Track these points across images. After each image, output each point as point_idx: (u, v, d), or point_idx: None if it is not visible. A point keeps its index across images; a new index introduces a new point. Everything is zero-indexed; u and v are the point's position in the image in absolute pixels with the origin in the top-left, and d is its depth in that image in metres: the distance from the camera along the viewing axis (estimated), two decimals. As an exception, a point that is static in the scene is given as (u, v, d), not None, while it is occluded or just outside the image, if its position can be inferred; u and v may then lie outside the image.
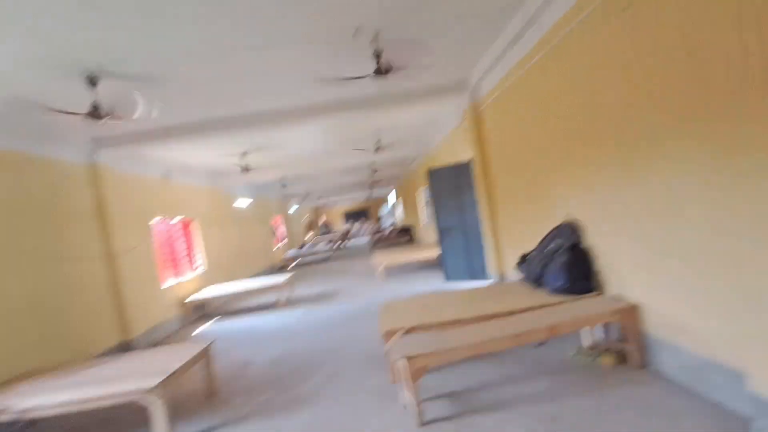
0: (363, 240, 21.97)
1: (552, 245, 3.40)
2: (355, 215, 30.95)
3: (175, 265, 7.17)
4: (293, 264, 14.12)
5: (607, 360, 2.82)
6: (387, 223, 24.42)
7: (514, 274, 4.85)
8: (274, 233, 14.49)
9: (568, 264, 3.16)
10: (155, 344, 5.54)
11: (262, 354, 4.46)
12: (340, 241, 18.89)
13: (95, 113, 3.38)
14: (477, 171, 5.55)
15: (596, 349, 2.97)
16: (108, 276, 5.09)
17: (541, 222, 3.98)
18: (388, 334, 3.12)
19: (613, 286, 3.00)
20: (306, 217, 23.59)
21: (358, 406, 2.89)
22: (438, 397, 2.80)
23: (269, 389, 3.43)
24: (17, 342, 3.66)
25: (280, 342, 4.81)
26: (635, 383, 2.55)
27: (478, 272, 6.02)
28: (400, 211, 19.30)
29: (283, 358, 4.21)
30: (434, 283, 6.69)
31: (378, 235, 17.43)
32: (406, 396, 2.62)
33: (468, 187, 5.96)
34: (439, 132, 7.83)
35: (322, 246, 15.14)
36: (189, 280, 7.33)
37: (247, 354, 4.56)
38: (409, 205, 15.67)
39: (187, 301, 6.81)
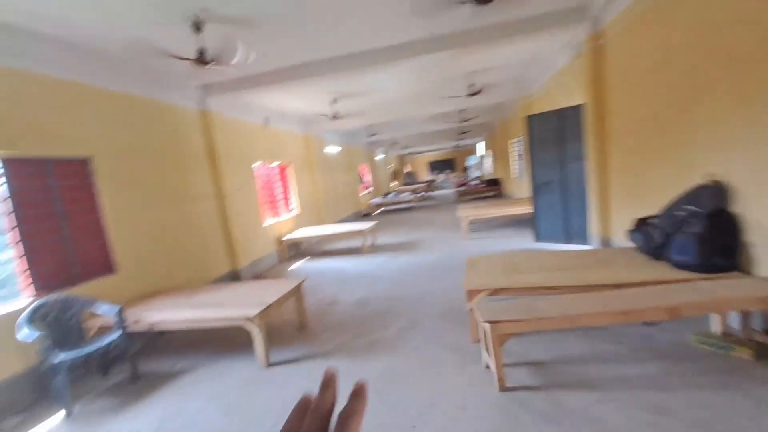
0: (447, 191, 21.52)
1: (682, 211, 2.81)
2: (441, 165, 30.21)
3: (273, 206, 7.83)
4: (378, 211, 14.53)
5: (743, 352, 2.34)
6: (473, 175, 23.39)
7: (622, 241, 4.25)
8: (361, 180, 14.90)
9: (702, 235, 2.59)
10: (257, 276, 6.25)
11: (347, 295, 4.73)
12: (424, 191, 18.74)
13: (201, 59, 3.58)
14: (589, 117, 4.78)
15: (730, 339, 2.47)
16: (219, 213, 5.74)
17: (669, 182, 3.31)
18: (473, 293, 3.00)
19: (765, 266, 2.39)
20: (391, 166, 23.74)
21: (438, 361, 2.89)
22: (522, 363, 2.65)
23: (352, 330, 3.63)
24: (149, 267, 4.38)
25: (364, 286, 5.03)
26: (781, 386, 2.08)
27: (577, 234, 5.43)
28: (488, 163, 18.21)
29: (366, 301, 4.40)
30: (523, 242, 6.25)
31: (464, 187, 16.85)
32: (488, 358, 2.52)
33: (574, 136, 5.21)
34: (541, 73, 6.86)
35: (406, 195, 15.18)
36: (285, 220, 7.98)
37: (334, 293, 4.88)
38: (499, 156, 14.62)
39: (283, 239, 7.46)
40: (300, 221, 8.61)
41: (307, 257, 7.47)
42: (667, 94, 3.33)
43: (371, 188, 16.77)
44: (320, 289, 5.11)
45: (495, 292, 2.95)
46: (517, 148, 10.70)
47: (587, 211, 5.19)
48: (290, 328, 3.86)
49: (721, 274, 2.54)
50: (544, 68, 6.63)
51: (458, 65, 6.20)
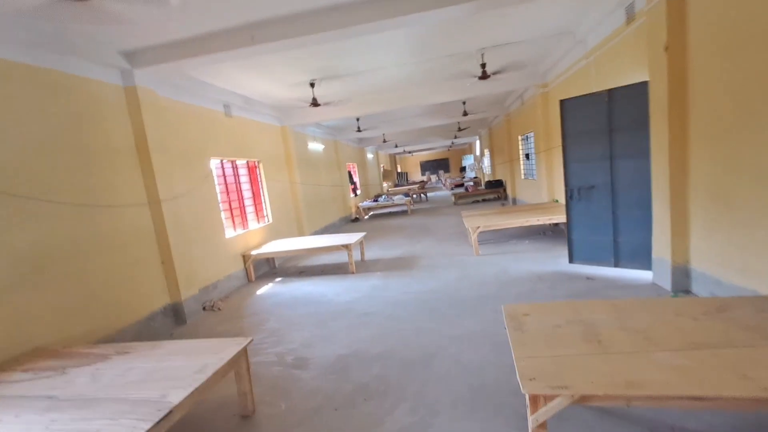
0: (443, 192, 20.23)
1: None
2: (434, 165, 28.96)
3: (240, 214, 6.37)
4: (368, 216, 13.12)
5: None
6: (470, 175, 22.15)
7: (710, 271, 2.93)
8: (351, 180, 13.46)
9: None
10: (210, 306, 4.79)
11: (322, 346, 3.32)
12: (418, 193, 17.41)
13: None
14: (657, 98, 3.45)
15: None
16: (153, 226, 4.27)
17: None
18: (538, 400, 1.63)
19: None
20: (383, 166, 22.35)
21: None
22: None
23: (327, 420, 2.23)
24: (19, 312, 2.91)
25: (347, 329, 3.62)
26: None
27: (630, 256, 4.10)
28: (486, 163, 16.93)
29: (348, 362, 2.99)
30: (553, 262, 4.92)
31: (461, 189, 15.55)
32: None
33: (629, 125, 3.89)
34: (569, 52, 5.54)
35: (399, 197, 13.83)
36: (255, 231, 6.53)
37: (304, 340, 3.47)
38: (500, 155, 13.36)
39: (251, 254, 6.02)
40: (273, 232, 7.16)
41: (280, 278, 6.02)
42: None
43: (360, 189, 15.35)
44: (287, 333, 3.69)
45: (583, 399, 1.58)
46: (525, 145, 9.40)
47: (651, 226, 3.87)
48: (225, 418, 2.44)
49: None
50: (573, 44, 5.31)
51: (468, 37, 4.84)
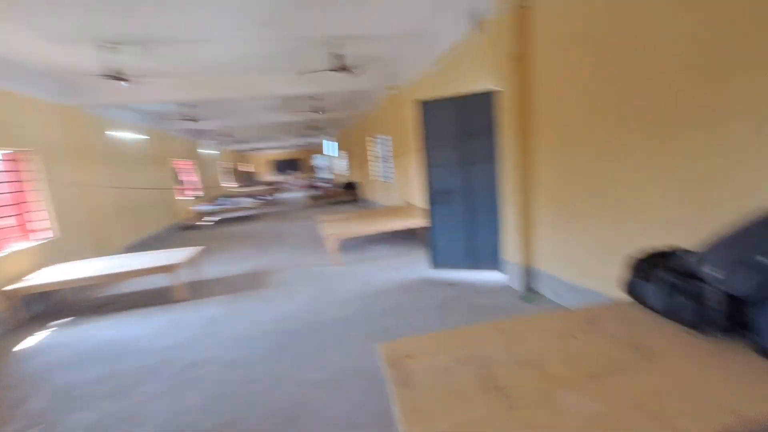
0: (296, 194, 19.27)
1: (762, 256, 1.58)
2: (287, 165, 27.57)
3: (-14, 228, 4.22)
4: (208, 221, 11.19)
5: None
6: (324, 177, 21.78)
7: (553, 271, 3.11)
8: (177, 180, 11.21)
9: None
10: None
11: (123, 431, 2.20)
12: (268, 195, 16.00)
13: None
14: (506, 106, 3.55)
15: None
16: None
17: (683, 197, 2.16)
18: None
19: None
20: (226, 164, 19.89)
21: None
22: None
23: None
24: None
25: (165, 395, 2.55)
26: None
27: (487, 260, 4.22)
28: (343, 164, 16.80)
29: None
30: (414, 269, 4.77)
31: (315, 190, 14.98)
32: None
33: (482, 131, 3.96)
34: (421, 54, 5.56)
35: (247, 200, 12.31)
36: (17, 253, 4.45)
37: (92, 425, 2.26)
38: (355, 156, 13.37)
39: (8, 289, 4.03)
40: (57, 252, 5.10)
41: (66, 319, 4.23)
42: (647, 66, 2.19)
43: (199, 191, 13.11)
44: (61, 417, 2.38)
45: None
46: (381, 147, 9.43)
47: (499, 230, 4.02)
48: None
49: None
50: (424, 48, 5.31)
51: (321, 19, 4.24)
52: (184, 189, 11.59)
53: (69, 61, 4.81)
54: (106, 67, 4.69)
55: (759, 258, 1.61)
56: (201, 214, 10.88)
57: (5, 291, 4.03)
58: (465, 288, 3.93)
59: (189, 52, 4.90)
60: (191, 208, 10.93)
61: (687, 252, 1.99)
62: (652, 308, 2.04)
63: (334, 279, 4.67)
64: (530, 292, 3.62)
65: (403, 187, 7.79)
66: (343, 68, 5.19)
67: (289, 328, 3.41)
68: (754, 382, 1.48)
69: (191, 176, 12.65)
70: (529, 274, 3.68)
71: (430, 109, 4.13)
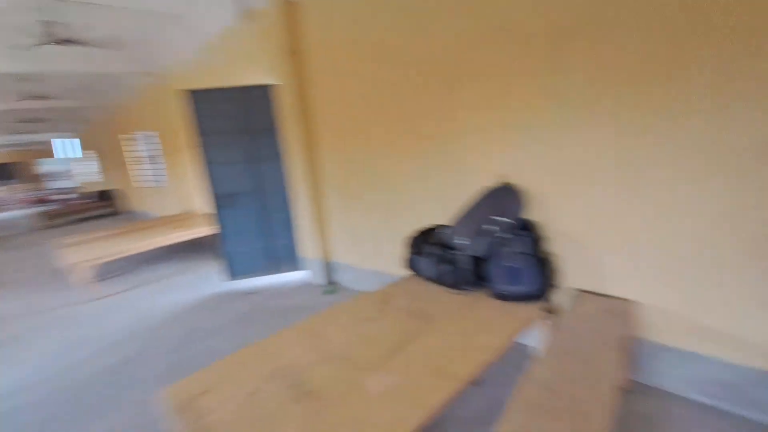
0: (14, 214, 13.87)
1: (492, 224, 2.13)
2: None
3: None
4: None
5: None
6: (64, 186, 16.47)
7: (351, 263, 3.36)
8: None
9: (536, 255, 2.01)
10: None
11: None
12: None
13: None
14: (286, 101, 3.50)
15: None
16: None
17: (438, 182, 2.64)
18: None
19: (573, 277, 2.10)
20: None
21: None
22: None
23: None
24: None
25: None
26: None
27: (287, 261, 4.10)
28: (93, 168, 13.07)
29: None
30: (207, 284, 4.18)
31: (51, 205, 11.19)
32: None
33: (267, 127, 3.79)
34: (191, 36, 4.84)
35: None
36: None
37: None
38: (111, 158, 10.67)
39: None
40: None
41: None
42: (400, 54, 2.61)
43: None
44: None
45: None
46: (146, 146, 7.82)
47: (293, 230, 3.99)
48: None
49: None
50: (190, 29, 4.64)
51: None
52: None
53: None
54: None
55: (485, 226, 2.09)
56: None
57: None
58: (267, 294, 3.73)
59: None
60: None
61: (445, 227, 2.44)
62: (427, 278, 2.41)
63: (94, 318, 3.57)
64: (331, 285, 3.77)
65: (180, 192, 6.73)
66: (67, 41, 3.93)
67: (20, 407, 2.36)
68: (496, 319, 1.95)
69: None
70: (328, 267, 3.81)
71: (203, 100, 3.64)
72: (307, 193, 3.64)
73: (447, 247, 2.29)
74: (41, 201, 12.81)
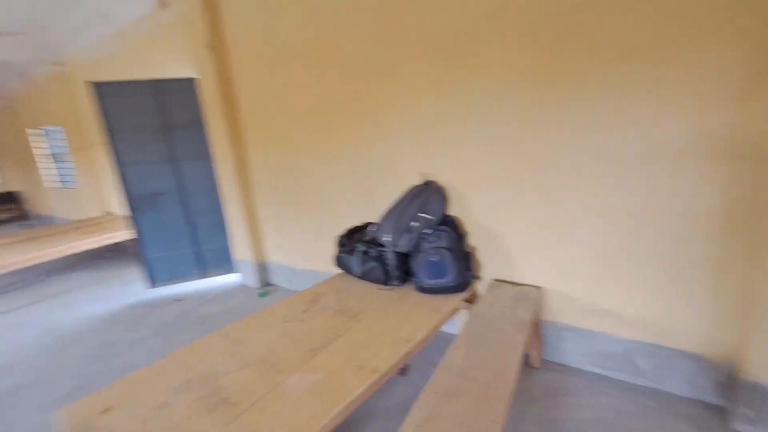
0: None
1: (416, 221, 2.20)
2: None
3: None
4: None
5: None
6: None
7: (285, 263, 3.30)
8: None
9: (455, 249, 2.11)
10: None
11: None
12: None
13: None
14: (208, 97, 3.33)
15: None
16: None
17: (365, 181, 2.67)
18: None
19: (491, 268, 2.25)
20: None
21: None
22: None
23: None
24: None
25: None
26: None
27: (216, 264, 3.90)
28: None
29: None
30: (125, 292, 3.85)
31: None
32: None
33: (188, 123, 3.56)
34: (101, 24, 4.39)
35: None
36: None
37: None
38: (15, 155, 9.37)
39: None
40: None
41: None
42: (323, 46, 2.61)
43: None
44: None
45: None
46: (50, 142, 6.98)
47: (225, 230, 3.81)
48: None
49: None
50: (97, 17, 4.21)
51: None
52: None
53: None
54: None
55: (410, 223, 2.16)
56: None
57: None
58: (194, 299, 3.52)
59: None
60: None
61: (372, 224, 2.47)
62: (355, 275, 2.43)
63: (-18, 341, 3.13)
64: (265, 287, 3.66)
65: (95, 193, 6.12)
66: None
67: None
68: (419, 312, 2.02)
69: None
70: (262, 269, 3.69)
71: (112, 93, 3.32)
72: (236, 193, 3.49)
73: (374, 244, 2.32)
74: None
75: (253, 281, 3.69)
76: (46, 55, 5.15)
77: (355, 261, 2.39)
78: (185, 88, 3.46)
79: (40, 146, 7.55)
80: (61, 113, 6.06)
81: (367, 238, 2.40)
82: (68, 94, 5.64)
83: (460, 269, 2.08)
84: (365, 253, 2.32)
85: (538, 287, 2.09)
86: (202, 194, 3.72)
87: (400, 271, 2.23)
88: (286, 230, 3.40)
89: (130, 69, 4.29)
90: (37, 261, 3.96)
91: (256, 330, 1.96)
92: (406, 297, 2.17)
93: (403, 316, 1.97)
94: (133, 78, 3.59)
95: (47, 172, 7.66)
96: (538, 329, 2.10)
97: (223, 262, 3.91)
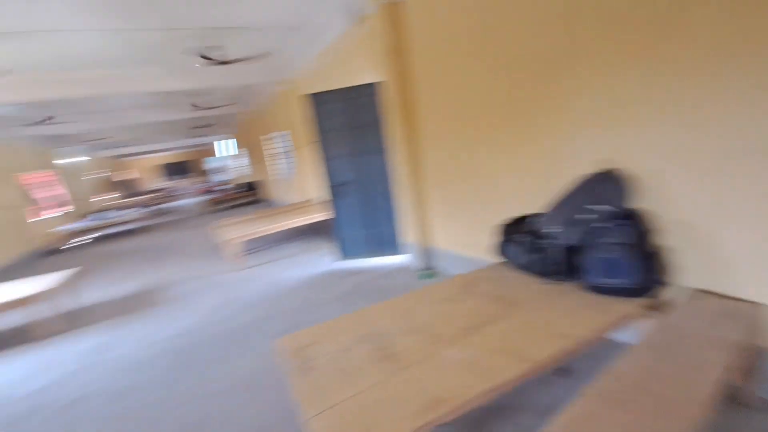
0: (188, 201, 17.59)
1: (588, 213, 2.01)
2: (175, 169, 24.89)
3: None
4: (80, 241, 9.63)
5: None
6: (221, 179, 20.24)
7: (450, 249, 3.46)
8: (29, 199, 9.37)
9: (637, 246, 1.85)
10: None
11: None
12: (156, 204, 14.33)
13: None
14: (390, 98, 3.76)
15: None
16: None
17: (535, 172, 2.58)
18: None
19: (695, 275, 1.84)
20: (101, 173, 17.20)
21: None
22: None
23: None
24: None
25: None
26: None
27: (389, 245, 4.44)
28: (244, 163, 15.79)
29: None
30: (321, 263, 4.80)
31: (211, 194, 13.89)
32: None
33: (374, 121, 4.13)
34: (308, 46, 5.52)
35: (130, 212, 10.83)
36: None
37: None
38: (254, 155, 12.71)
39: None
40: None
41: None
42: (506, 61, 2.57)
43: (69, 206, 11.16)
44: None
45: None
46: (280, 143, 9.14)
47: (396, 215, 4.27)
48: None
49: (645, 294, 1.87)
50: (311, 39, 5.29)
51: (187, 12, 3.94)
52: (40, 208, 9.73)
53: None
54: None
55: (580, 215, 2.00)
56: (70, 234, 9.30)
57: None
58: (370, 274, 4.11)
59: (33, 45, 4.12)
60: (55, 228, 9.27)
61: (536, 215, 2.39)
62: (516, 265, 2.41)
63: (237, 284, 4.46)
64: (428, 270, 3.95)
65: (303, 182, 7.70)
66: (223, 62, 4.89)
67: (188, 343, 3.18)
68: (583, 310, 1.88)
69: (54, 190, 10.69)
70: (426, 252, 4.00)
71: (320, 102, 4.16)
72: (409, 182, 3.86)
73: (539, 235, 2.24)
74: (206, 191, 16.01)
75: (418, 263, 4.04)
76: (274, 76, 6.76)
77: (517, 251, 2.36)
78: (370, 91, 4.02)
79: (270, 147, 9.98)
80: (286, 121, 7.85)
81: (532, 229, 2.32)
82: (290, 105, 7.27)
83: (640, 270, 1.81)
84: (529, 244, 2.26)
85: (756, 304, 1.63)
86: (379, 183, 4.27)
87: (566, 265, 2.09)
88: (453, 218, 3.58)
89: (331, 79, 5.23)
90: (268, 232, 5.34)
91: (418, 304, 2.20)
92: (570, 293, 2.03)
93: (564, 312, 1.86)
94: (334, 87, 4.38)
95: (274, 166, 10.07)
96: (753, 357, 1.64)
97: (394, 244, 4.40)
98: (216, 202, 12.45)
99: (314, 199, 7.08)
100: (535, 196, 2.60)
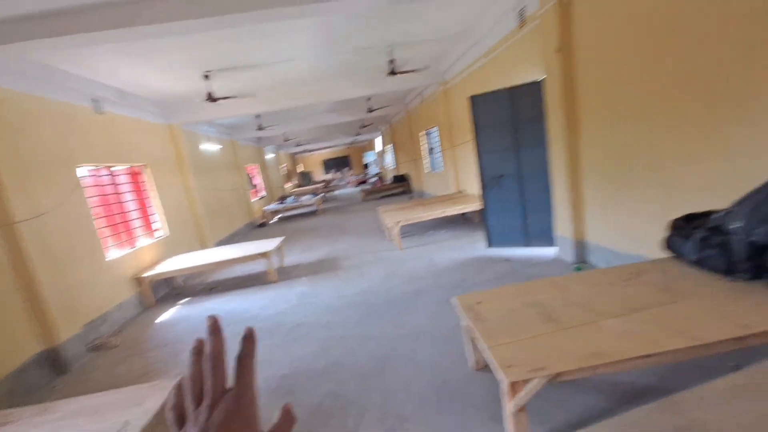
0: (348, 190, 20.23)
1: (783, 208, 1.89)
2: (337, 163, 28.78)
3: (125, 229, 5.33)
4: (275, 219, 12.38)
5: None
6: (374, 171, 22.57)
7: (602, 243, 3.42)
8: (251, 184, 12.49)
9: None
10: (100, 345, 3.91)
11: (258, 369, 2.94)
12: (323, 192, 17.07)
13: None
14: (552, 94, 3.88)
15: None
16: (8, 255, 3.28)
17: (707, 171, 2.45)
18: (518, 386, 1.65)
19: None
20: (284, 166, 21.36)
21: None
22: None
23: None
24: None
25: (283, 346, 3.29)
26: None
27: (538, 237, 4.58)
28: (390, 158, 17.43)
29: (293, 381, 2.71)
30: (472, 248, 5.23)
31: (367, 185, 15.75)
32: None
33: (530, 118, 4.31)
34: (469, 50, 5.92)
35: (307, 198, 13.35)
36: (146, 248, 5.55)
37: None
38: (404, 150, 13.88)
39: (144, 276, 5.09)
40: (170, 246, 6.20)
41: (187, 298, 5.24)
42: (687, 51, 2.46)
43: (264, 192, 14.41)
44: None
45: (557, 376, 1.63)
46: (430, 140, 9.88)
47: (552, 209, 4.36)
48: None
49: None
50: (471, 44, 5.69)
51: (378, 31, 4.81)
52: (255, 192, 12.87)
53: (172, 88, 5.83)
54: (200, 91, 5.63)
55: (777, 211, 1.92)
56: (270, 213, 12.05)
57: (143, 278, 5.10)
58: (520, 262, 4.34)
59: (266, 72, 5.72)
60: (263, 207, 12.15)
61: (716, 211, 2.30)
62: (687, 260, 2.38)
63: (400, 261, 5.27)
64: (581, 263, 3.95)
65: (453, 175, 8.20)
66: (395, 73, 5.73)
67: (368, 300, 4.05)
68: (762, 305, 1.82)
69: (258, 179, 13.95)
70: (579, 246, 4.00)
71: (480, 102, 4.54)
72: (565, 176, 3.93)
73: (717, 232, 2.18)
74: (362, 182, 18.20)
75: (569, 256, 4.07)
76: (436, 79, 7.41)
77: (689, 246, 2.32)
78: (532, 89, 4.20)
79: (421, 143, 10.82)
80: (439, 119, 8.49)
81: (709, 225, 2.25)
82: (445, 104, 7.84)
83: None
84: (704, 239, 2.22)
85: None
86: (535, 176, 4.42)
87: (752, 263, 2.00)
88: (611, 212, 3.53)
89: (490, 79, 5.53)
90: (423, 219, 6.03)
91: (579, 283, 2.42)
92: (754, 292, 1.95)
93: (745, 306, 1.83)
94: (489, 87, 4.70)
95: (426, 161, 10.89)
96: None
97: (545, 236, 4.50)
98: (370, 192, 14.11)
99: (464, 191, 7.51)
100: (713, 193, 2.46)
